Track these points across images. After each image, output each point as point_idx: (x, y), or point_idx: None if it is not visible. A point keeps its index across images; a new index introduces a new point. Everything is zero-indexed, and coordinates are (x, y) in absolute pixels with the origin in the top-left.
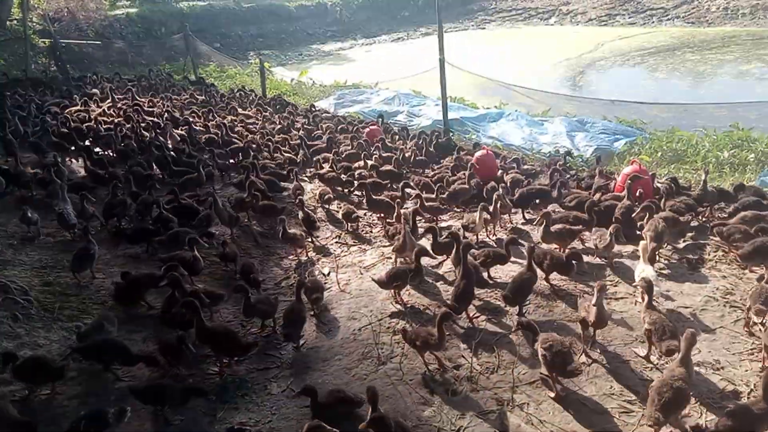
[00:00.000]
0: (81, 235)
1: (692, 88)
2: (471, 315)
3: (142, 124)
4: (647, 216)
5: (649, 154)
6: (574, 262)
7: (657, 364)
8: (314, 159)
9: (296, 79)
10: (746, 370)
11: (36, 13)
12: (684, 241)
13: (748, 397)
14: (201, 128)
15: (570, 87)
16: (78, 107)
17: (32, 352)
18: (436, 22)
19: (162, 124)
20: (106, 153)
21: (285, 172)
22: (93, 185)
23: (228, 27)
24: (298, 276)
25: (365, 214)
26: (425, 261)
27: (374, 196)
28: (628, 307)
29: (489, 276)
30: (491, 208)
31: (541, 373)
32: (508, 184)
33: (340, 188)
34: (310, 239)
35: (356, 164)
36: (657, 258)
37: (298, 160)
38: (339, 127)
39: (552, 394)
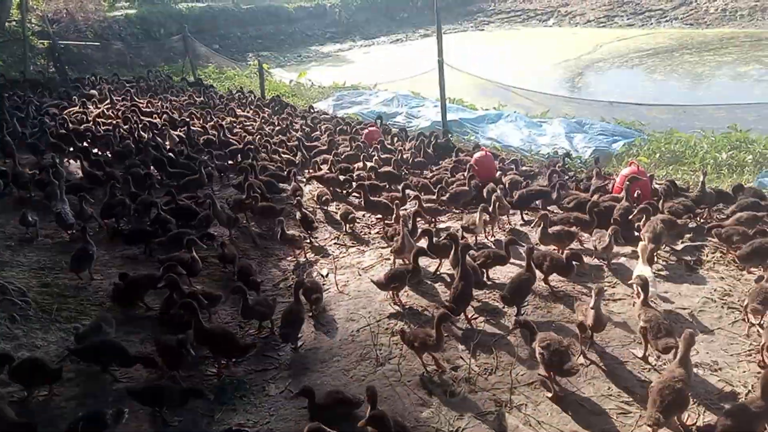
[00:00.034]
0: (79, 236)
1: (690, 90)
2: (469, 316)
3: (139, 125)
4: (644, 218)
5: (647, 156)
6: (574, 263)
7: (655, 365)
8: (312, 160)
9: (295, 80)
10: (744, 371)
11: (35, 14)
12: (682, 243)
13: (745, 398)
14: (199, 129)
15: (569, 88)
16: (76, 108)
17: (30, 353)
18: (435, 23)
19: (159, 125)
20: (104, 154)
21: (285, 174)
22: (90, 186)
23: (227, 28)
24: (296, 277)
25: (364, 216)
26: (424, 262)
27: (372, 198)
28: (626, 308)
29: (487, 277)
30: (491, 209)
31: (539, 374)
32: (507, 186)
33: (339, 189)
34: (308, 240)
35: (355, 165)
36: (655, 259)
37: (297, 162)
38: (337, 129)
39: (550, 394)
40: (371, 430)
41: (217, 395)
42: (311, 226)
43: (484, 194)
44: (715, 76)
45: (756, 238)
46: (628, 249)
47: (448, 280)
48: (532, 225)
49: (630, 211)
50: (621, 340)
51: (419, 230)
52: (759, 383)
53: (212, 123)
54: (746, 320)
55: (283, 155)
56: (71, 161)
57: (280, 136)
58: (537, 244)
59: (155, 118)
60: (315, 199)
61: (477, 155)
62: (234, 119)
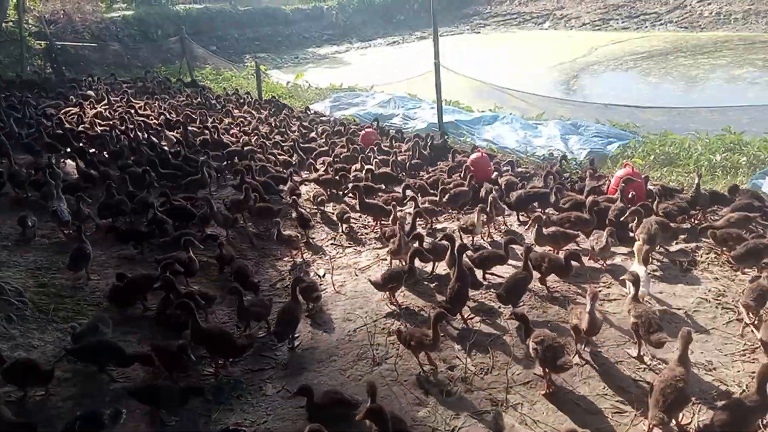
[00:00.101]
0: (75, 236)
1: (685, 92)
2: (465, 316)
3: (135, 126)
4: (636, 219)
5: (642, 158)
6: (573, 262)
7: (650, 364)
8: (308, 162)
9: (292, 81)
10: (738, 371)
11: (32, 15)
12: (677, 244)
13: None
14: (196, 129)
15: (564, 91)
16: (74, 109)
17: (27, 353)
18: (432, 26)
19: (153, 126)
20: (100, 154)
21: (285, 175)
22: (85, 185)
23: (224, 30)
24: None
25: (360, 216)
26: (420, 262)
27: (366, 200)
28: (621, 308)
29: (484, 277)
30: (488, 210)
31: (535, 374)
32: (503, 187)
33: (335, 191)
34: (305, 240)
35: (353, 167)
36: (650, 260)
37: (293, 162)
38: (334, 130)
39: (543, 392)
40: (369, 424)
41: (214, 395)
42: (308, 225)
43: (482, 195)
44: (710, 78)
45: (746, 240)
46: (623, 250)
47: (445, 281)
48: (526, 227)
49: (624, 212)
50: (616, 340)
51: (414, 233)
52: (756, 378)
53: (207, 124)
54: (740, 320)
55: (279, 156)
56: (67, 161)
57: (276, 137)
58: (532, 245)
59: (151, 119)
60: (311, 199)
61: (473, 156)
62: (233, 120)
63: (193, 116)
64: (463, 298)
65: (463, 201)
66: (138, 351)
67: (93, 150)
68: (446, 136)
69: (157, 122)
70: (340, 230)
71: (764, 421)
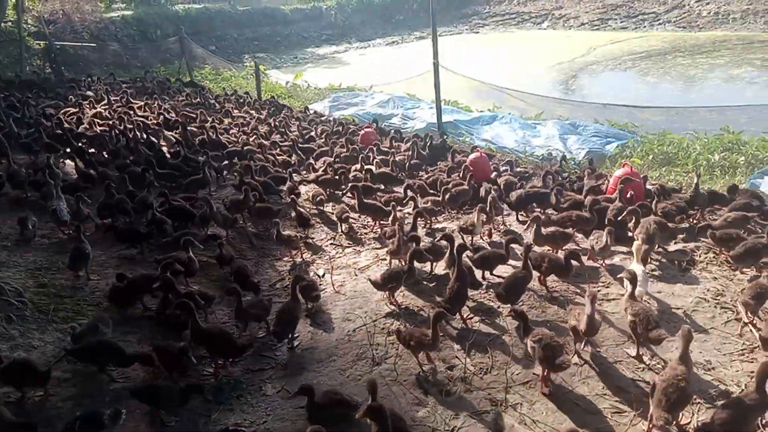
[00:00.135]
0: (74, 236)
1: (683, 92)
2: (465, 316)
3: (134, 126)
4: (634, 219)
5: (640, 157)
6: (573, 262)
7: (649, 364)
8: (307, 162)
9: (291, 81)
10: (737, 371)
11: (31, 15)
12: (675, 243)
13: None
14: (195, 129)
15: (563, 90)
16: (73, 109)
17: (27, 353)
18: (430, 26)
19: (152, 126)
20: (99, 154)
21: (285, 175)
22: (85, 185)
23: (223, 30)
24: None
25: (360, 216)
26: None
27: (365, 200)
28: (620, 308)
29: (483, 277)
30: (487, 210)
31: (534, 374)
32: (502, 187)
33: (334, 191)
34: (304, 239)
35: (353, 167)
36: (649, 260)
37: (293, 162)
38: (333, 130)
39: (546, 390)
40: (369, 423)
41: (214, 395)
42: (308, 224)
43: (481, 194)
44: (708, 78)
45: (744, 239)
46: (622, 249)
47: (444, 281)
48: (525, 227)
49: (623, 212)
50: (615, 340)
51: (410, 235)
52: (755, 376)
53: (206, 124)
54: (739, 320)
55: (278, 156)
56: (67, 161)
57: (276, 137)
58: (531, 244)
59: (150, 119)
60: (310, 199)
61: (471, 156)
62: (231, 120)
63: (192, 116)
64: (462, 298)
65: (464, 200)
66: (138, 351)
67: (92, 150)
68: (445, 136)
69: (156, 122)
70: (340, 230)
71: (764, 421)
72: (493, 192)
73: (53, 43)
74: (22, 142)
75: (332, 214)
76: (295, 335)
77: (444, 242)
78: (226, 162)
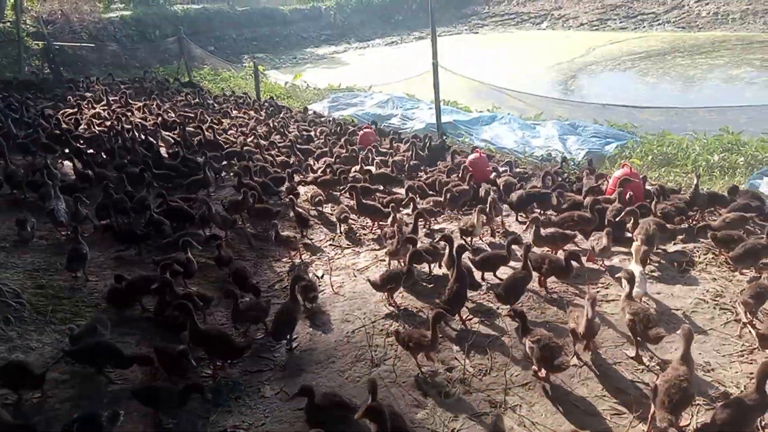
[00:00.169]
0: (72, 237)
1: (682, 93)
2: (464, 317)
3: (132, 126)
4: (632, 220)
5: (639, 158)
6: (573, 262)
7: (648, 365)
8: (305, 163)
9: (290, 82)
10: (736, 372)
11: (29, 15)
12: (674, 244)
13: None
14: (193, 130)
15: (562, 91)
16: (71, 110)
17: (25, 355)
18: (430, 26)
19: (150, 126)
20: (98, 154)
21: (285, 175)
22: (83, 186)
23: (222, 30)
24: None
25: (359, 218)
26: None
27: (364, 201)
28: (619, 309)
29: (483, 278)
30: (487, 210)
31: (533, 375)
32: (501, 187)
33: (333, 191)
34: (303, 239)
35: (353, 168)
36: (648, 260)
37: (291, 163)
38: (332, 131)
39: (548, 389)
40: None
41: (212, 397)
42: (307, 224)
43: (481, 195)
44: (707, 78)
45: (744, 240)
46: (622, 250)
47: (444, 282)
48: (525, 228)
49: (621, 212)
50: (614, 341)
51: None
52: (756, 376)
53: (203, 125)
54: (738, 321)
55: (276, 157)
56: (65, 162)
57: (275, 137)
58: (530, 245)
59: (149, 120)
60: (309, 200)
61: (471, 157)
62: (230, 121)
63: (191, 116)
64: (461, 299)
65: (464, 200)
66: (136, 352)
67: (90, 150)
68: (444, 137)
69: (154, 122)
70: (339, 231)
71: (763, 422)
72: (492, 193)
73: (52, 43)
74: (20, 143)
75: (331, 215)
76: (294, 336)
77: (443, 243)
78: (224, 162)
